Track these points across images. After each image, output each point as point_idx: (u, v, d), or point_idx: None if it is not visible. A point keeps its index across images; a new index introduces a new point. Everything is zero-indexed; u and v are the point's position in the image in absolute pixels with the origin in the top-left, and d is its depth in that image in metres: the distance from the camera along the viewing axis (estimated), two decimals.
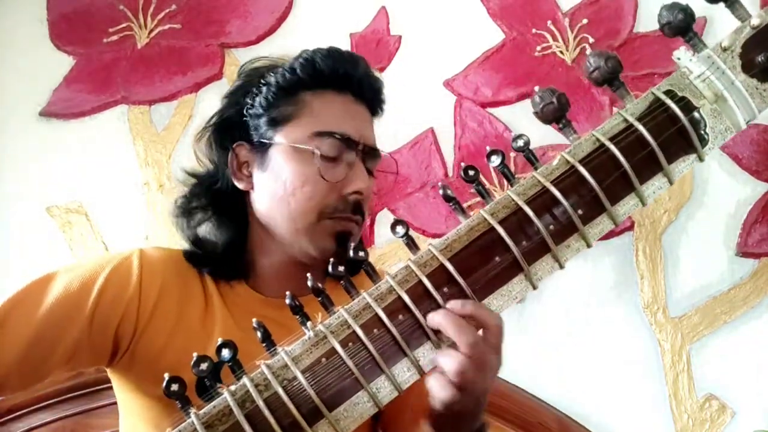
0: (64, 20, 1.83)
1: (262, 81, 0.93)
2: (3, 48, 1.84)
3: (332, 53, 0.93)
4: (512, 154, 1.41)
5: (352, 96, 0.93)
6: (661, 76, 1.35)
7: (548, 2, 1.69)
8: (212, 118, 0.98)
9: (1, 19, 1.85)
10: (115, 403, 0.94)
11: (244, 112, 0.93)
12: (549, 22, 1.67)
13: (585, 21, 1.65)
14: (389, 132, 1.67)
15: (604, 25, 1.65)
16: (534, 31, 1.68)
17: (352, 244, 0.65)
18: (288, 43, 1.75)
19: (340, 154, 0.89)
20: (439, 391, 0.65)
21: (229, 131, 0.95)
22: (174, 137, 1.74)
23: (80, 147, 1.75)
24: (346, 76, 0.92)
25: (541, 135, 1.43)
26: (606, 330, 1.53)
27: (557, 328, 1.54)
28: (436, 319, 0.62)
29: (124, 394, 0.91)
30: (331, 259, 0.63)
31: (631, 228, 1.56)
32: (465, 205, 0.68)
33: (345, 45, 1.74)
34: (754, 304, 1.50)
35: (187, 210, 0.97)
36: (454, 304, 0.62)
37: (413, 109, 1.68)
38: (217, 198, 0.95)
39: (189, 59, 1.77)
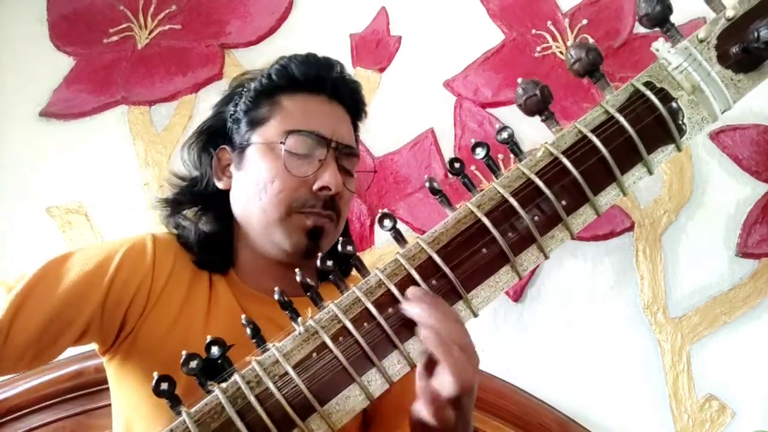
0: (64, 20, 1.83)
1: (244, 89, 0.97)
2: (3, 48, 1.84)
3: (307, 59, 0.96)
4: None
5: (327, 97, 0.95)
6: None
7: (548, 3, 1.69)
8: (199, 126, 1.02)
9: (1, 19, 1.85)
10: None
11: (228, 118, 0.98)
12: (549, 22, 1.67)
13: (585, 21, 1.65)
14: (389, 132, 1.68)
15: (604, 26, 1.65)
16: (534, 31, 1.68)
17: (341, 239, 0.64)
18: (288, 44, 1.75)
19: (311, 150, 0.91)
20: (428, 417, 0.63)
21: (214, 138, 0.99)
22: (174, 137, 1.74)
23: (80, 147, 1.75)
24: (319, 79, 0.95)
25: (542, 135, 1.43)
26: (606, 330, 1.53)
27: (557, 328, 1.54)
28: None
29: (120, 387, 0.91)
30: (320, 254, 0.63)
31: (631, 228, 1.56)
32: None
33: (345, 45, 1.74)
34: (754, 305, 1.50)
35: (173, 206, 1.00)
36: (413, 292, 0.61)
37: (413, 110, 1.68)
38: (201, 198, 0.99)
39: (189, 59, 1.77)
